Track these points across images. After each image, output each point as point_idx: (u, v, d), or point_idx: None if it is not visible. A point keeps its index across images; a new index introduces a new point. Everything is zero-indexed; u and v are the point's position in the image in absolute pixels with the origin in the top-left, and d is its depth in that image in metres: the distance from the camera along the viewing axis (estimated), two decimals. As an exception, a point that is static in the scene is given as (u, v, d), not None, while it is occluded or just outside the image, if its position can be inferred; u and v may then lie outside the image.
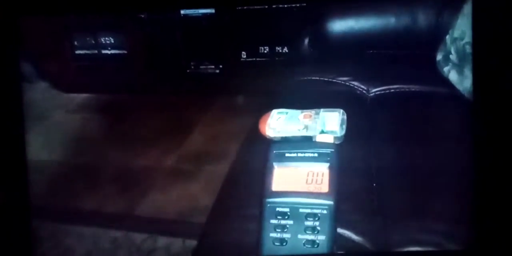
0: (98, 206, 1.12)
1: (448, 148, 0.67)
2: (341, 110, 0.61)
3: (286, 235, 0.49)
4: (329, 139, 0.57)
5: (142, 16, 1.26)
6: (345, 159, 0.54)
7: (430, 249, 0.54)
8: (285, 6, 1.17)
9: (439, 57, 0.84)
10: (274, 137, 0.60)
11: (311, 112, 0.61)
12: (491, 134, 0.53)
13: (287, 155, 0.54)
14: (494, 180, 0.53)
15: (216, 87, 1.36)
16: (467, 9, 0.77)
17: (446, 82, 0.81)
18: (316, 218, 0.49)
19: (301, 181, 0.51)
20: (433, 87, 0.83)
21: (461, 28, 0.78)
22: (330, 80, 0.90)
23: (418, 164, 0.65)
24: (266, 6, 1.18)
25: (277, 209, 0.50)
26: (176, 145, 1.31)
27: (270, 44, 1.23)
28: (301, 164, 0.53)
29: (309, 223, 0.49)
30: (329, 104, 0.64)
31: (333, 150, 0.54)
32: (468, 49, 0.75)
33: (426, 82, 0.84)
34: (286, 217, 0.50)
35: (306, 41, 1.08)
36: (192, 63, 1.31)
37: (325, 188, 0.50)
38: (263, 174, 0.53)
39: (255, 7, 1.18)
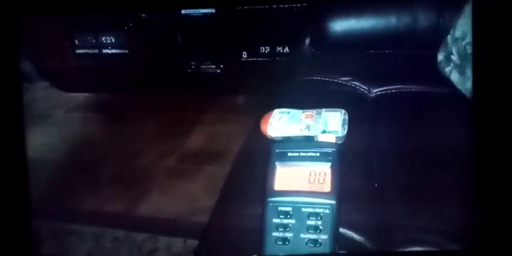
0: (99, 205, 1.12)
1: (449, 148, 0.67)
2: (343, 110, 0.61)
3: (289, 234, 0.49)
4: (331, 138, 0.57)
5: (143, 15, 1.26)
6: (347, 159, 0.54)
7: (431, 249, 0.54)
8: (286, 6, 1.17)
9: (440, 57, 0.84)
10: (276, 137, 0.60)
11: (313, 112, 0.62)
12: (492, 134, 0.53)
13: (289, 154, 0.54)
14: (495, 180, 0.53)
15: (216, 87, 1.37)
16: (468, 9, 0.77)
17: (447, 82, 0.81)
18: (318, 218, 0.49)
19: (303, 180, 0.51)
20: (434, 88, 0.83)
21: (462, 29, 0.78)
22: (331, 80, 0.90)
23: (419, 163, 0.66)
24: (267, 6, 1.18)
25: (280, 208, 0.50)
26: (177, 145, 1.31)
27: (270, 44, 1.24)
28: (303, 163, 0.53)
29: (311, 222, 0.49)
30: (330, 104, 0.64)
31: (335, 149, 0.54)
32: (469, 49, 0.75)
33: (427, 82, 0.84)
34: (289, 216, 0.50)
35: (307, 41, 1.08)
36: (192, 63, 1.32)
37: (327, 187, 0.50)
38: (266, 174, 0.53)
39: (256, 7, 1.19)
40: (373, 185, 0.63)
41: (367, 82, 0.88)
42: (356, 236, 0.56)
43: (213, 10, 1.22)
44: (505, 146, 0.53)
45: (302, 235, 0.49)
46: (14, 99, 0.57)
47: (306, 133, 0.58)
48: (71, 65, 1.36)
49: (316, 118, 0.60)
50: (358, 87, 0.88)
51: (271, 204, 0.51)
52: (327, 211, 0.49)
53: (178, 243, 1.01)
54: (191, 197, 1.12)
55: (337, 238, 0.50)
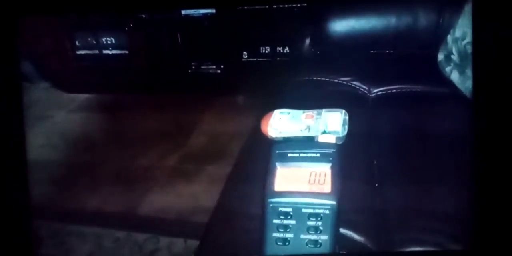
0: (100, 206, 1.12)
1: (449, 148, 0.67)
2: (343, 111, 0.61)
3: (289, 235, 0.49)
4: (331, 139, 0.57)
5: (143, 16, 1.26)
6: (347, 159, 0.54)
7: (432, 249, 0.54)
8: (286, 6, 1.17)
9: (440, 57, 0.84)
10: (276, 137, 0.60)
11: (313, 112, 0.62)
12: (492, 134, 0.53)
13: (289, 155, 0.54)
14: (495, 180, 0.53)
15: (217, 87, 1.36)
16: (468, 9, 0.77)
17: (447, 82, 0.81)
18: (319, 218, 0.49)
19: (303, 181, 0.51)
20: (434, 87, 0.83)
21: (463, 28, 0.78)
22: (332, 80, 0.90)
23: (419, 164, 0.66)
24: (267, 6, 1.18)
25: (280, 209, 0.50)
26: (177, 145, 1.31)
27: (271, 44, 1.23)
28: (303, 164, 0.53)
29: (311, 223, 0.49)
30: (330, 105, 0.64)
31: (335, 150, 0.54)
32: (470, 49, 0.75)
33: (427, 82, 0.84)
34: (289, 217, 0.50)
35: (307, 41, 1.08)
36: (193, 63, 1.31)
37: (327, 188, 0.51)
38: (266, 174, 0.53)
39: (256, 7, 1.18)
40: (373, 185, 0.63)
41: (367, 82, 0.88)
42: (356, 236, 0.56)
43: (214, 11, 1.22)
44: (505, 146, 0.53)
45: (302, 236, 0.49)
46: (14, 100, 0.57)
47: (306, 133, 0.58)
48: (72, 65, 1.36)
49: (317, 118, 0.60)
50: (358, 87, 0.88)
51: (271, 204, 0.51)
52: (328, 211, 0.49)
53: (179, 243, 1.01)
54: (192, 197, 1.12)
55: (337, 238, 0.50)
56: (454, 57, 0.80)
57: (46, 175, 1.18)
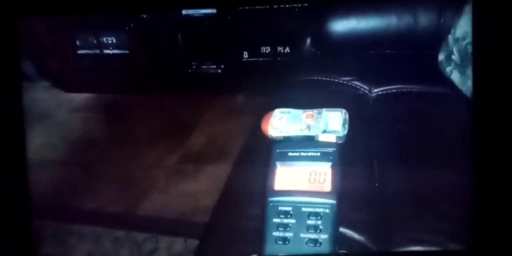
0: (100, 205, 1.12)
1: (449, 148, 0.67)
2: (344, 110, 0.61)
3: (289, 234, 0.49)
4: (331, 138, 0.57)
5: (144, 16, 1.26)
6: (347, 159, 0.54)
7: (431, 248, 0.54)
8: (287, 6, 1.17)
9: (441, 57, 0.84)
10: (277, 137, 0.60)
11: (314, 111, 0.62)
12: (492, 134, 0.53)
13: (289, 154, 0.54)
14: (495, 180, 0.53)
15: (217, 87, 1.36)
16: (469, 9, 0.77)
17: (448, 82, 0.81)
18: (319, 217, 0.49)
19: (303, 180, 0.51)
20: (435, 87, 0.83)
21: (463, 28, 0.78)
22: (332, 80, 0.90)
23: (419, 163, 0.66)
24: (268, 6, 1.18)
25: (280, 208, 0.50)
26: (177, 145, 1.31)
27: (271, 44, 1.24)
28: (303, 163, 0.53)
29: (311, 222, 0.49)
30: (331, 104, 0.64)
31: (335, 149, 0.54)
32: (470, 49, 0.75)
33: (428, 83, 0.84)
34: (289, 216, 0.50)
35: (308, 41, 1.08)
36: (193, 63, 1.32)
37: (327, 187, 0.51)
38: (266, 173, 0.53)
39: (257, 7, 1.18)
40: (373, 185, 0.63)
41: (367, 82, 0.88)
42: (356, 236, 0.56)
43: (214, 10, 1.22)
44: (505, 146, 0.53)
45: (302, 235, 0.49)
46: (14, 99, 0.57)
47: (306, 133, 0.58)
48: (72, 65, 1.36)
49: (317, 118, 0.60)
50: (358, 87, 0.88)
51: (271, 203, 0.51)
52: (327, 210, 0.49)
53: (178, 243, 1.01)
54: (192, 196, 1.12)
55: (337, 237, 0.50)
56: (455, 57, 0.80)
57: (46, 175, 1.17)
